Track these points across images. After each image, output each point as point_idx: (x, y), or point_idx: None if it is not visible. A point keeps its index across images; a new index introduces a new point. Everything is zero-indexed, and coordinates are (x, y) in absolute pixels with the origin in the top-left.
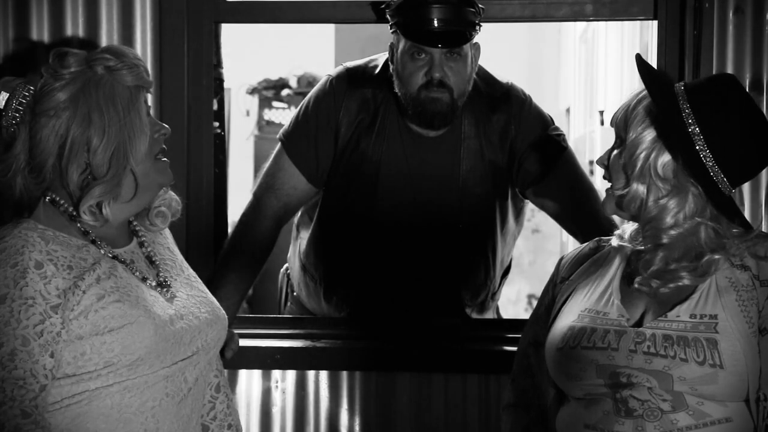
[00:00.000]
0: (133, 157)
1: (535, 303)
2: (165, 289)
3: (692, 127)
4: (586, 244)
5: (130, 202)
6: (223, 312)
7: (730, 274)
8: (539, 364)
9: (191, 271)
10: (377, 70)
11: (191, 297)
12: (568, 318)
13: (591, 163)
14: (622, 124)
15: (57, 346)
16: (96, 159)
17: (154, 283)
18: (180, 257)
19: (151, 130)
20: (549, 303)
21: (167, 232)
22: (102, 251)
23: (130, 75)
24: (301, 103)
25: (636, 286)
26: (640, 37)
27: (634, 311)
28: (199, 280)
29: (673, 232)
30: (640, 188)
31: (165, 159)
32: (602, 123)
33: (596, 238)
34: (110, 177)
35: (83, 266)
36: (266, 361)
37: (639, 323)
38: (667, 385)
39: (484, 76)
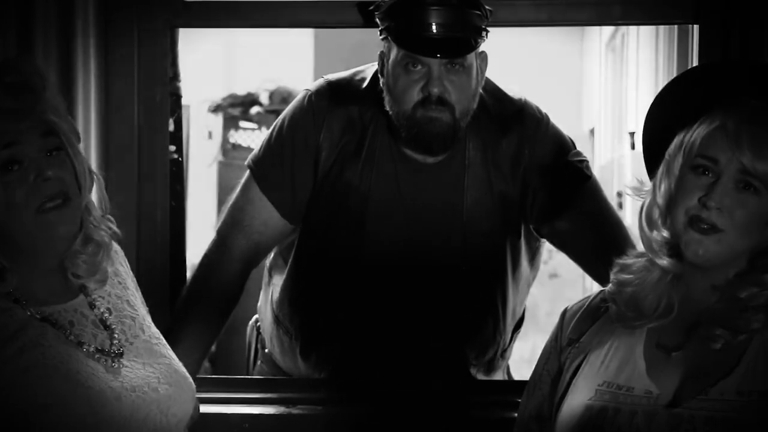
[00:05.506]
0: None
1: None
2: (110, 358)
3: None
4: (594, 293)
5: (30, 260)
6: (191, 381)
7: None
8: None
9: (154, 329)
10: (364, 84)
11: (149, 365)
12: (583, 394)
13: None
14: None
15: None
16: None
17: (92, 349)
18: (142, 312)
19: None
20: (554, 372)
21: (129, 281)
22: (28, 312)
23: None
24: (274, 123)
25: (699, 340)
26: (678, 44)
27: (666, 384)
28: (164, 342)
29: None
30: None
31: (55, 207)
32: (633, 147)
33: (604, 289)
34: None
35: (4, 335)
36: (233, 430)
37: (674, 401)
38: None
39: (493, 92)
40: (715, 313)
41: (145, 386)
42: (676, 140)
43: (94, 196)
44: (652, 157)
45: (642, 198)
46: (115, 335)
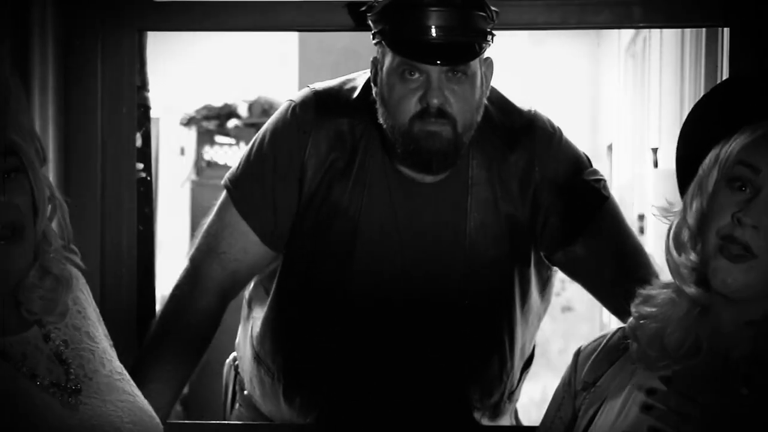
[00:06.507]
0: None
1: None
2: (66, 394)
3: None
4: (612, 331)
5: None
6: (158, 421)
7: None
8: None
9: (116, 364)
10: (355, 95)
11: (110, 402)
12: None
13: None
14: None
15: None
16: None
17: (46, 382)
18: (102, 345)
19: None
20: (568, 420)
21: (90, 310)
22: None
23: None
24: (254, 138)
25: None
26: (705, 49)
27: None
28: (127, 378)
29: None
30: None
31: (3, 238)
32: (656, 164)
33: (622, 327)
34: None
35: None
36: None
37: None
38: None
39: (499, 102)
40: (749, 351)
41: (106, 425)
42: (712, 154)
43: (54, 223)
44: (686, 177)
45: (669, 220)
46: (72, 370)
